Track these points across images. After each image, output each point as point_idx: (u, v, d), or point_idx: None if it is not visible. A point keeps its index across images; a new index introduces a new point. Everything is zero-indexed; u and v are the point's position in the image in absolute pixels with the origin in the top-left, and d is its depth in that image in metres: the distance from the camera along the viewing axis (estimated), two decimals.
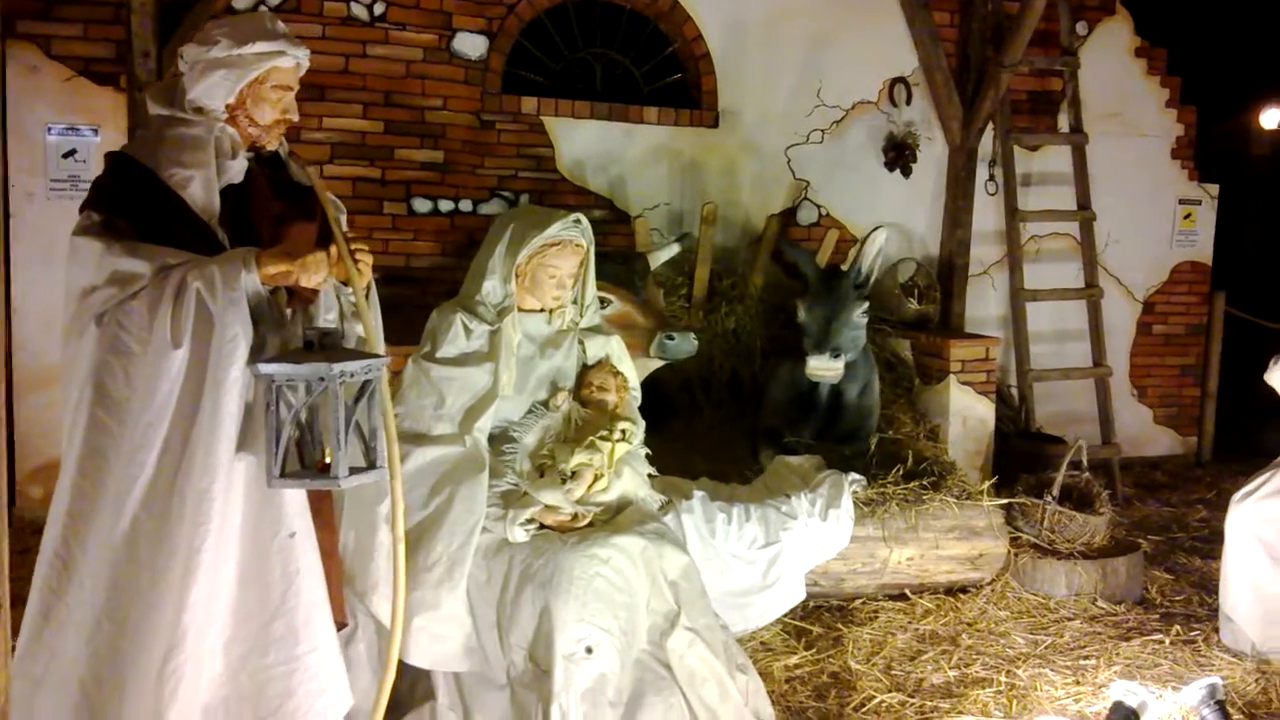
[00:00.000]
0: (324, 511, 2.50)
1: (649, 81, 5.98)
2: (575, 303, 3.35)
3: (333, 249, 2.52)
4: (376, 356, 2.32)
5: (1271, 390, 4.05)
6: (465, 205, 5.50)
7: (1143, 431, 7.11)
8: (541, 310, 3.28)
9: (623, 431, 3.23)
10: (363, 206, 5.32)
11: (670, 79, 6.01)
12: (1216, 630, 4.18)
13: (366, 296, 2.62)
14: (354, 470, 2.30)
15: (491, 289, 3.15)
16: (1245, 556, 4.00)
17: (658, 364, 4.55)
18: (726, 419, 5.55)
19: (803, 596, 4.19)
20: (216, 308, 2.22)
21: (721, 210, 5.88)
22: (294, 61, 2.52)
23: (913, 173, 6.28)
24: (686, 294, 5.64)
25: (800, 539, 4.17)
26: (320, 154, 5.24)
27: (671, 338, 4.39)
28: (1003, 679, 3.74)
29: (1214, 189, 7.08)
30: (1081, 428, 6.47)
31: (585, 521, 3.09)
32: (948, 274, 6.33)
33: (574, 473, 3.12)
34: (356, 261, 2.51)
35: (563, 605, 2.86)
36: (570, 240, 3.17)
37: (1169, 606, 4.58)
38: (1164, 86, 6.88)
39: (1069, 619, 4.31)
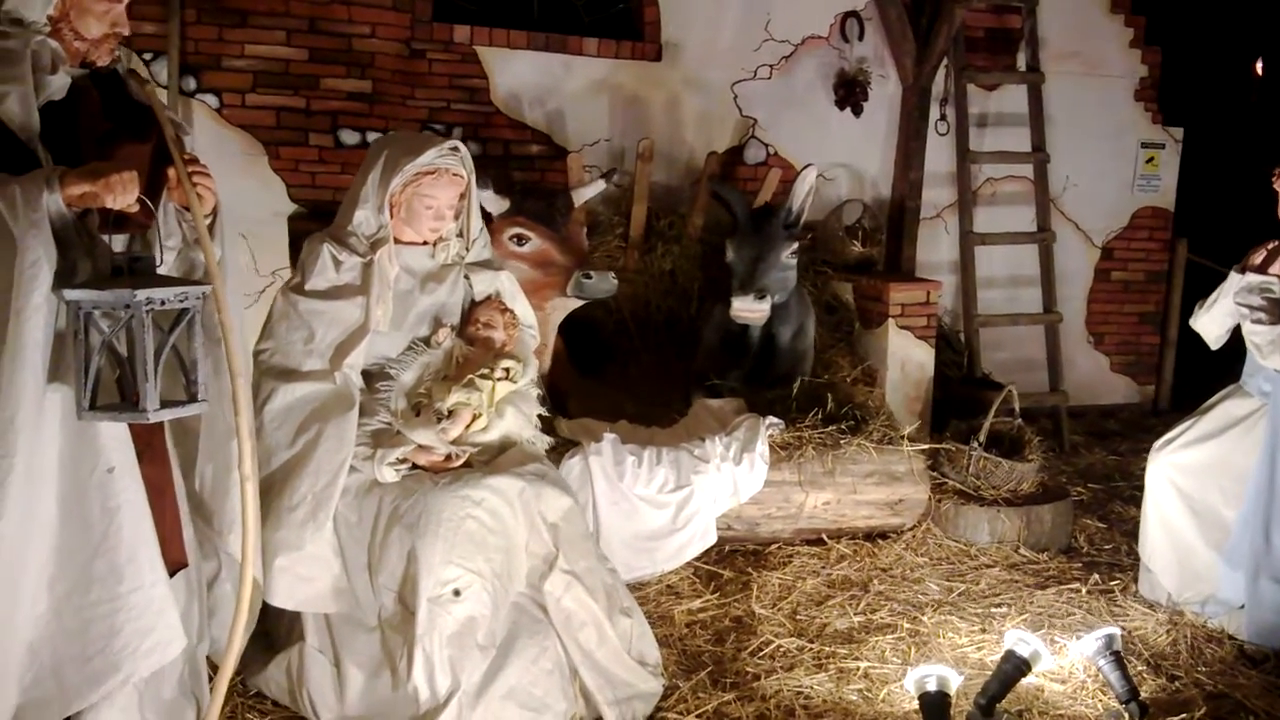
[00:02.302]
0: (155, 446, 2.40)
1: (589, 11, 5.79)
2: (460, 235, 3.22)
3: (171, 172, 2.40)
4: (195, 284, 2.20)
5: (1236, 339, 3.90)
6: None
7: (1099, 379, 7.01)
8: (423, 243, 3.16)
9: (506, 370, 3.12)
10: (287, 138, 5.18)
11: (612, 9, 5.82)
12: (1136, 581, 4.12)
13: (212, 224, 2.50)
14: (171, 403, 2.19)
15: (364, 219, 3.02)
16: (1163, 506, 3.91)
17: (577, 303, 4.45)
18: (662, 362, 5.44)
19: (714, 540, 4.12)
20: (18, 229, 2.09)
21: (664, 148, 5.74)
22: None
23: (864, 111, 6.11)
24: (623, 234, 5.50)
25: (712, 483, 4.09)
26: (242, 82, 5.08)
27: (589, 276, 4.29)
28: (906, 625, 3.68)
29: (1178, 133, 6.91)
30: (1034, 375, 6.39)
31: (460, 462, 3.00)
32: (899, 217, 6.19)
33: (451, 412, 3.02)
34: (195, 185, 2.40)
35: (429, 547, 2.78)
36: (447, 169, 3.04)
37: (1095, 556, 4.51)
38: (1128, 26, 6.67)
39: (988, 566, 4.24)
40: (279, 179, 5.18)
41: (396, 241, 3.08)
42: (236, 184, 5.12)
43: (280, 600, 2.87)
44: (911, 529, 4.45)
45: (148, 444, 2.36)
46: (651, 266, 5.49)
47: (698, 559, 4.12)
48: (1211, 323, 3.88)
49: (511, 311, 3.29)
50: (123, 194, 2.15)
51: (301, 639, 2.99)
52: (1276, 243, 3.76)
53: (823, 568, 4.15)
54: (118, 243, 2.39)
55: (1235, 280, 3.76)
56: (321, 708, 2.88)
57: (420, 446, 2.96)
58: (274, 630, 3.15)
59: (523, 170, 5.57)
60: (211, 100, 5.06)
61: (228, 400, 2.45)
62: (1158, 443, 3.98)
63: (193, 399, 2.24)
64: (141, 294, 2.05)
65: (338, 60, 5.21)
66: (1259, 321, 3.65)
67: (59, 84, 2.31)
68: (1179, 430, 3.93)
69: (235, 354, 2.43)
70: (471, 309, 3.27)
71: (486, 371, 3.08)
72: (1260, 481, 3.67)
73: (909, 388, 5.33)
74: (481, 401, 3.04)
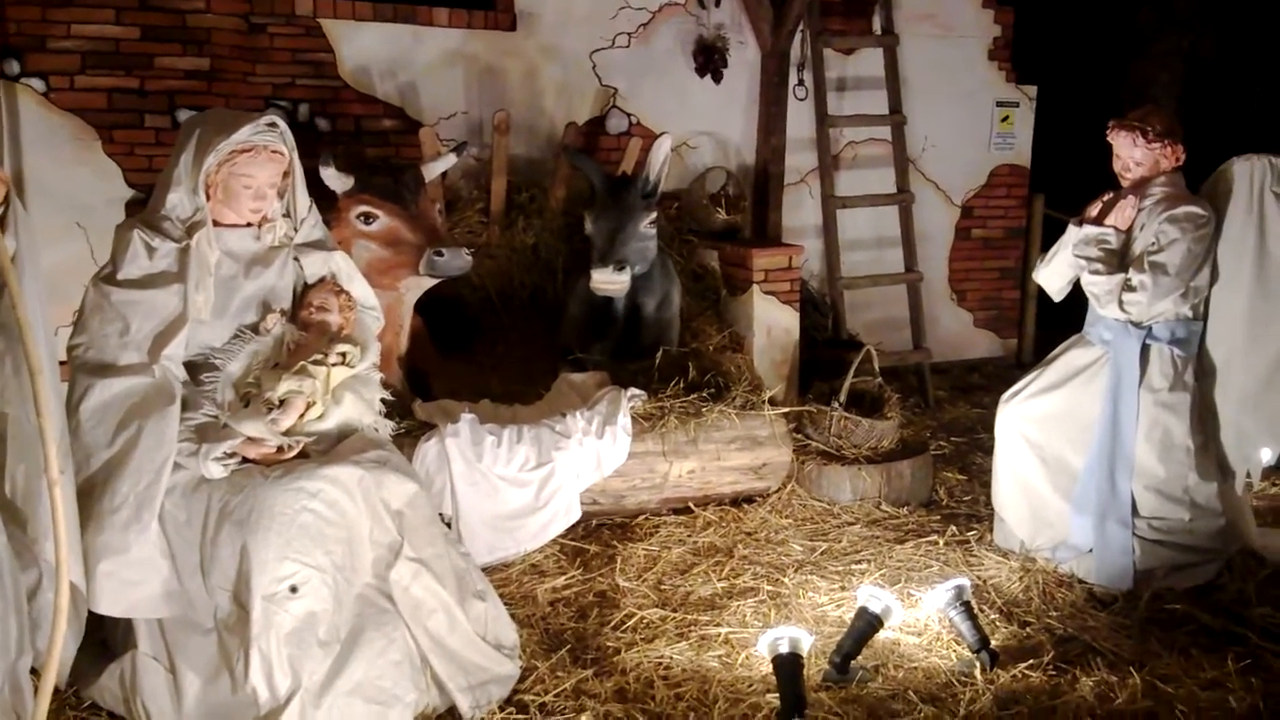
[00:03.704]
0: None
1: None
2: (287, 215, 3.09)
3: None
4: None
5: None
6: None
7: (963, 335, 7.17)
8: (246, 225, 3.02)
9: (341, 355, 3.01)
10: (121, 120, 4.93)
11: None
12: (992, 530, 4.22)
13: (4, 215, 2.35)
14: None
15: (178, 202, 2.87)
16: (1013, 456, 4.02)
17: (431, 282, 4.34)
18: (529, 338, 5.37)
19: (579, 516, 4.08)
20: None
21: (524, 119, 5.64)
22: None
23: (724, 78, 6.07)
24: (484, 209, 5.40)
25: (574, 458, 4.04)
26: (70, 64, 4.81)
27: (441, 254, 4.17)
28: (768, 588, 3.70)
29: (1032, 90, 7.06)
30: (902, 333, 6.50)
31: (294, 453, 2.88)
32: (763, 183, 6.19)
33: (282, 401, 2.90)
34: None
35: (261, 543, 2.68)
36: (265, 146, 2.90)
37: (954, 508, 4.61)
38: None
39: (850, 524, 4.30)
40: (114, 164, 4.93)
41: (216, 224, 2.93)
42: (69, 172, 4.89)
43: (106, 607, 2.73)
44: (776, 491, 4.48)
45: None
46: (514, 241, 5.39)
47: (563, 535, 4.08)
48: (1052, 275, 3.98)
49: (347, 293, 3.18)
50: None
51: (134, 646, 2.85)
52: (1112, 195, 3.87)
53: (689, 536, 4.15)
54: None
55: (1073, 233, 3.85)
56: (157, 716, 2.76)
57: (249, 439, 2.84)
58: (111, 638, 3.01)
59: (376, 146, 5.42)
60: (38, 84, 4.78)
61: (31, 400, 2.31)
62: (1005, 394, 4.08)
63: None
64: None
65: (172, 37, 4.96)
66: (1096, 272, 3.76)
67: None
68: (1025, 381, 4.03)
69: (33, 351, 2.29)
70: (304, 292, 3.14)
71: (320, 357, 2.96)
72: (1104, 428, 3.78)
73: (775, 352, 5.36)
74: (315, 389, 2.93)
